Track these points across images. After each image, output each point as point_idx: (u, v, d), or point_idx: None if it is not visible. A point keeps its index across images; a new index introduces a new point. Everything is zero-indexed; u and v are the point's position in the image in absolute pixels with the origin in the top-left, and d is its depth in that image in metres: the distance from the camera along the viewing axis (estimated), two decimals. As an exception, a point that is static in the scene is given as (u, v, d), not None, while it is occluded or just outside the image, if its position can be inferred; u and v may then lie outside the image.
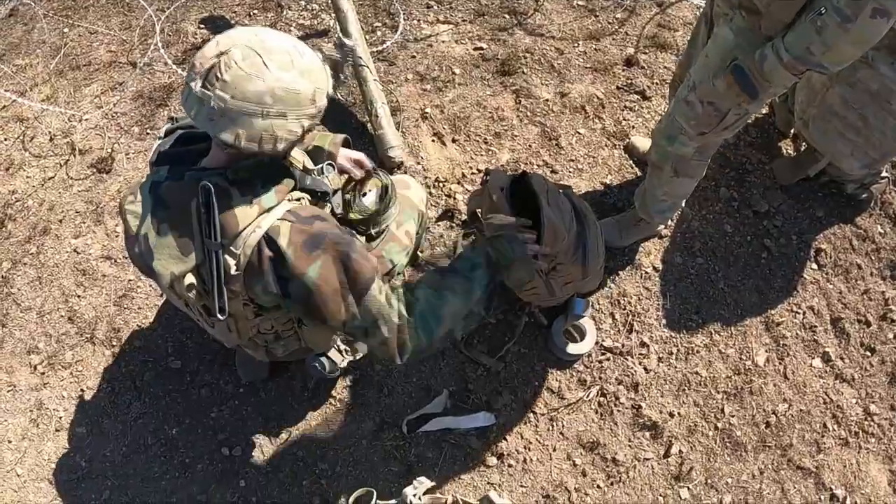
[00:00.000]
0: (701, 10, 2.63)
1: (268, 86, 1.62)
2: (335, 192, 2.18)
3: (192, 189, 1.70)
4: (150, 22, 3.50)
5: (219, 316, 1.76)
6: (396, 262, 2.48)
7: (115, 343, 2.85)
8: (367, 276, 1.83)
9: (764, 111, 3.36)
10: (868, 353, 2.92)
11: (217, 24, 3.52)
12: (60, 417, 2.73)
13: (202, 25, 3.55)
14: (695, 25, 2.63)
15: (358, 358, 2.56)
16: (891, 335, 2.95)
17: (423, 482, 2.33)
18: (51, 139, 3.24)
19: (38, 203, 3.10)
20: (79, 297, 2.93)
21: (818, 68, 2.01)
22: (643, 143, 3.22)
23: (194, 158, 1.82)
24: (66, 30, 3.57)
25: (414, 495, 2.30)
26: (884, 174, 3.10)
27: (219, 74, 1.59)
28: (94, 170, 3.16)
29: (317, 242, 1.77)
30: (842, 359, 2.91)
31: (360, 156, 2.39)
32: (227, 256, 1.73)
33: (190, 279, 1.76)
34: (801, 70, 2.03)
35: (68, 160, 3.17)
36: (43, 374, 2.80)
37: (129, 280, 2.95)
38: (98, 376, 2.80)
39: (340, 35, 3.13)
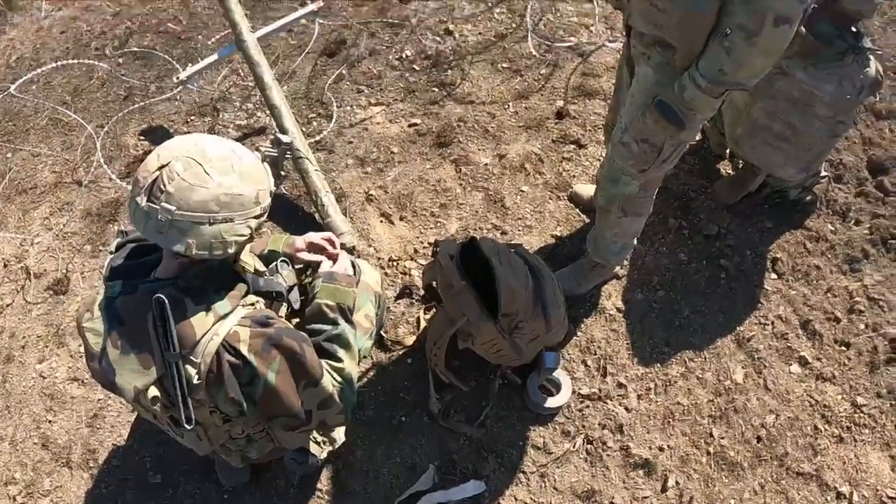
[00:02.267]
0: (620, 53, 2.86)
1: (212, 193, 1.73)
2: (291, 288, 2.29)
3: (146, 302, 1.79)
4: (91, 139, 3.74)
5: (186, 426, 1.85)
6: (361, 346, 2.56)
7: (92, 465, 2.94)
8: (318, 370, 2.01)
9: (698, 138, 3.60)
10: (844, 348, 3.08)
11: (156, 135, 3.77)
12: (45, 548, 2.79)
13: (142, 137, 3.79)
14: (617, 69, 2.85)
15: (336, 447, 2.68)
16: (862, 326, 3.11)
17: None
18: (4, 265, 3.42)
19: (-3, 332, 3.24)
20: (50, 422, 3.04)
21: (736, 86, 2.21)
22: (586, 189, 3.42)
23: (147, 270, 1.93)
24: (9, 154, 3.80)
25: None
26: (823, 173, 3.34)
27: (162, 187, 1.69)
28: (51, 292, 3.33)
29: (274, 343, 1.91)
30: (819, 359, 3.06)
31: (320, 238, 2.49)
32: (187, 367, 1.83)
33: (153, 392, 1.85)
34: (719, 92, 2.22)
35: (24, 285, 3.35)
36: None
37: (99, 399, 3.07)
38: (79, 500, 2.87)
39: (276, 132, 3.39)
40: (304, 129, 3.67)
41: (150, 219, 1.73)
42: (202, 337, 1.83)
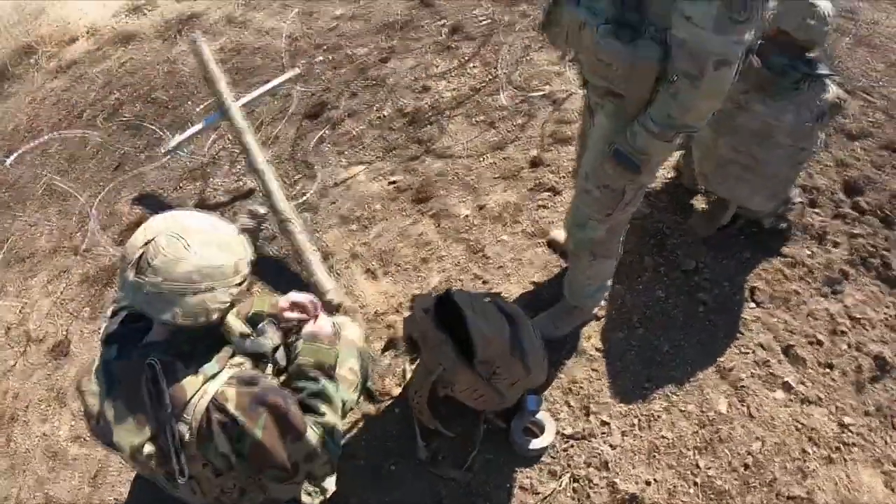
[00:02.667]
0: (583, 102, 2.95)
1: (193, 265, 1.91)
2: (277, 347, 2.43)
3: (140, 366, 1.95)
4: (85, 208, 3.93)
5: (180, 480, 1.99)
6: (347, 399, 2.64)
7: (96, 523, 3.02)
8: (302, 425, 2.13)
9: (669, 175, 3.70)
10: (828, 370, 3.09)
11: (148, 201, 3.94)
12: None
13: (135, 204, 3.97)
14: (581, 117, 2.97)
15: (328, 496, 2.75)
16: (844, 346, 3.13)
17: None
18: (6, 331, 3.58)
19: (2, 393, 3.39)
20: (52, 481, 3.15)
21: (685, 129, 2.31)
22: (562, 234, 3.49)
23: (140, 335, 2.08)
24: (7, 223, 4.00)
25: None
26: (796, 200, 3.40)
27: (148, 261, 1.87)
28: (52, 356, 3.48)
29: (260, 400, 2.03)
30: (803, 383, 3.08)
31: (303, 299, 2.60)
32: (179, 425, 1.96)
33: (149, 449, 1.97)
34: (670, 136, 2.32)
35: (25, 349, 3.50)
36: (27, 565, 2.97)
37: (100, 459, 3.18)
38: None
39: (252, 205, 3.54)
40: (289, 190, 3.84)
41: (139, 291, 1.90)
42: (192, 397, 1.97)
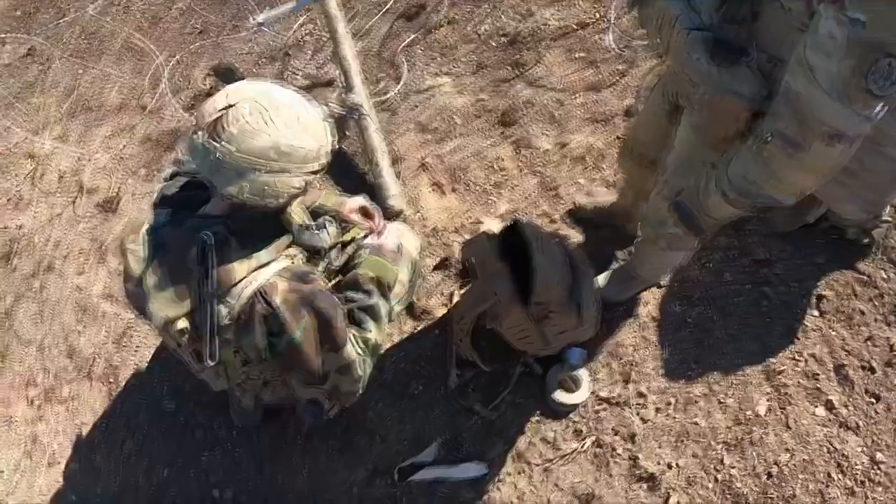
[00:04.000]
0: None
1: (272, 141, 1.72)
2: (333, 247, 2.26)
3: (191, 236, 1.80)
4: (161, 68, 3.70)
5: (209, 362, 1.85)
6: (393, 307, 2.54)
7: (111, 381, 2.95)
8: (343, 337, 2.00)
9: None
10: (873, 401, 2.89)
11: (225, 73, 3.71)
12: (54, 452, 2.82)
13: (210, 73, 3.73)
14: (653, 88, 2.49)
15: (348, 405, 2.62)
16: (895, 380, 2.93)
17: None
18: (60, 178, 3.41)
19: (44, 239, 3.26)
20: (79, 333, 3.04)
21: (769, 201, 1.79)
22: (593, 202, 3.23)
23: (196, 204, 1.91)
24: (79, 72, 3.76)
25: None
26: (885, 218, 3.15)
27: (225, 126, 1.69)
28: (101, 209, 3.32)
29: (307, 302, 1.89)
30: (846, 406, 2.89)
31: (372, 208, 2.46)
32: (220, 306, 1.82)
33: (183, 324, 1.84)
34: (749, 205, 1.84)
35: (76, 199, 3.34)
36: (39, 407, 2.90)
37: (129, 319, 3.05)
38: (93, 413, 2.89)
39: (345, 91, 3.31)
40: (371, 87, 3.56)
41: (208, 156, 1.72)
42: (240, 281, 1.83)
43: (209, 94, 3.59)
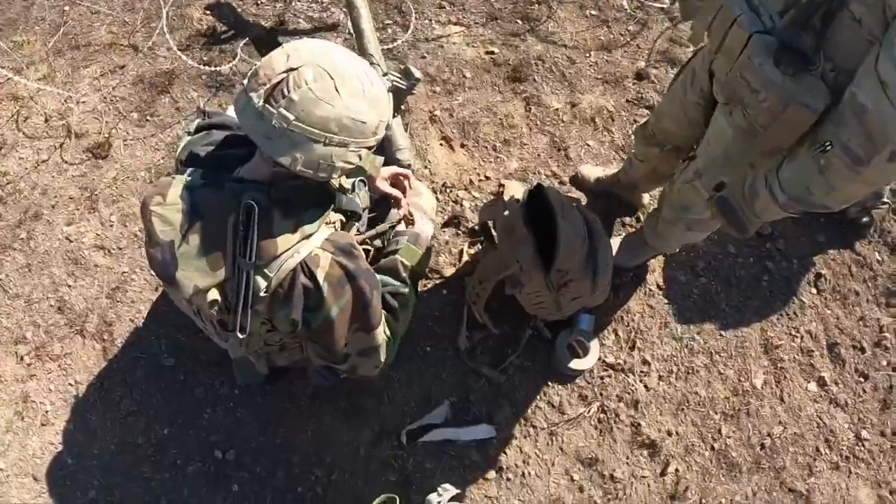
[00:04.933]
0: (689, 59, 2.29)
1: (336, 113, 1.53)
2: (364, 210, 2.09)
3: (230, 202, 1.62)
4: (156, 4, 3.34)
5: (238, 335, 1.67)
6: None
7: (106, 337, 2.74)
8: (378, 319, 1.89)
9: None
10: (861, 379, 2.95)
11: (223, 12, 3.38)
12: (47, 411, 2.63)
13: (207, 12, 3.40)
14: (677, 76, 2.31)
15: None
16: (884, 362, 2.98)
17: (448, 489, 2.29)
18: (46, 120, 3.09)
19: (30, 186, 2.96)
20: (69, 286, 2.80)
21: (819, 209, 1.71)
22: (593, 172, 3.11)
23: (232, 164, 1.71)
24: (66, 7, 3.38)
25: (438, 502, 2.26)
26: (885, 199, 3.15)
27: (286, 92, 1.50)
28: (90, 155, 3.02)
29: (350, 279, 1.76)
30: (836, 384, 2.94)
31: (404, 172, 2.26)
32: (258, 277, 1.66)
33: (214, 295, 1.66)
34: (798, 210, 1.74)
35: (63, 143, 3.02)
36: (29, 365, 2.68)
37: (123, 272, 2.83)
38: (87, 371, 2.69)
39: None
40: (378, 34, 3.30)
41: (262, 121, 1.52)
42: (283, 253, 1.66)
43: (205, 34, 3.29)
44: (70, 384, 2.67)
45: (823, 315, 3.03)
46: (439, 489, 2.22)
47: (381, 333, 1.93)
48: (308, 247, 1.69)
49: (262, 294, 1.67)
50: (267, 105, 1.50)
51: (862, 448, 2.85)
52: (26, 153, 3.00)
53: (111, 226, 2.90)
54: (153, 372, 2.69)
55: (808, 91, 1.57)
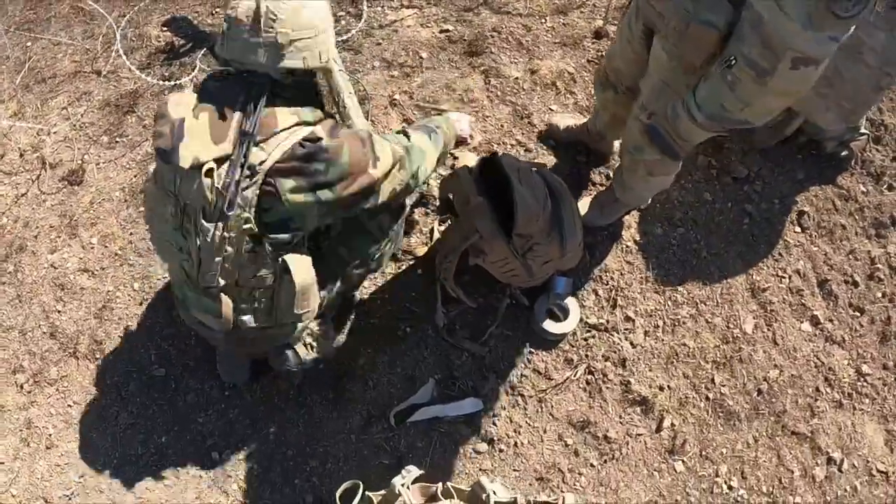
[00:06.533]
0: None
1: (312, 10, 1.85)
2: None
3: (240, 86, 1.85)
4: (112, 29, 3.33)
5: (227, 212, 1.81)
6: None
7: (98, 356, 2.74)
8: (381, 143, 1.99)
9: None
10: (857, 314, 2.78)
11: (180, 26, 3.36)
12: (50, 434, 2.64)
13: (164, 28, 3.37)
14: (623, 14, 2.25)
15: (325, 353, 2.43)
16: (879, 294, 2.81)
17: (412, 471, 2.22)
18: (21, 155, 3.10)
19: (12, 220, 2.97)
20: (59, 312, 2.81)
21: (740, 125, 1.73)
22: (563, 120, 2.98)
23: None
24: (28, 43, 3.39)
25: (402, 484, 2.18)
26: (862, 131, 2.92)
27: (273, 15, 1.78)
28: (66, 182, 3.03)
29: (348, 133, 1.94)
30: (831, 321, 2.77)
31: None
32: (257, 150, 1.81)
33: (211, 164, 1.80)
34: (719, 128, 1.78)
35: (39, 175, 3.04)
36: (29, 392, 2.70)
37: (108, 291, 2.83)
38: (84, 390, 2.70)
39: None
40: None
41: (268, 46, 1.80)
42: (282, 131, 1.85)
43: (166, 49, 3.25)
44: (69, 405, 2.68)
45: (810, 252, 2.86)
46: (403, 471, 2.13)
47: (397, 147, 2.04)
48: (306, 130, 1.86)
49: (258, 167, 1.80)
50: (265, 33, 1.78)
51: (864, 383, 2.70)
52: (5, 189, 3.02)
53: (92, 248, 2.89)
54: (146, 384, 2.69)
55: (708, 9, 1.59)
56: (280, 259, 1.98)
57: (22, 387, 2.71)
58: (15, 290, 2.85)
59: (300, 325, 2.23)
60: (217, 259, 1.92)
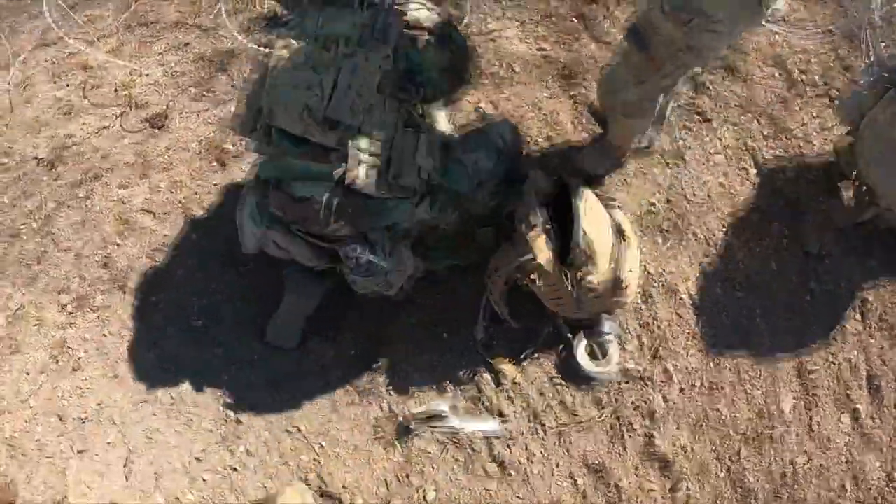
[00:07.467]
0: None
1: None
2: None
3: None
4: None
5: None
6: None
7: (143, 295, 2.75)
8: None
9: (831, 156, 2.94)
10: None
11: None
12: (80, 358, 2.66)
13: None
14: None
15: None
16: (928, 401, 2.65)
17: None
18: (115, 91, 3.12)
19: (91, 149, 2.99)
20: (117, 245, 2.83)
21: (701, 16, 1.91)
22: None
23: None
24: None
25: None
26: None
27: None
28: (148, 124, 3.05)
29: None
30: (872, 418, 2.63)
31: None
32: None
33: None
34: (684, 19, 1.94)
35: (125, 112, 3.06)
36: (70, 314, 2.72)
37: (165, 235, 2.84)
38: (122, 324, 2.71)
39: None
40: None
41: None
42: None
43: (267, 17, 3.22)
44: (104, 335, 2.70)
45: (866, 344, 2.71)
46: None
47: None
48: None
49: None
50: None
51: (892, 492, 2.54)
52: (90, 119, 3.05)
53: (159, 191, 2.91)
54: (182, 330, 2.69)
55: None
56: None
57: (64, 307, 2.73)
58: (81, 216, 2.88)
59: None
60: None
